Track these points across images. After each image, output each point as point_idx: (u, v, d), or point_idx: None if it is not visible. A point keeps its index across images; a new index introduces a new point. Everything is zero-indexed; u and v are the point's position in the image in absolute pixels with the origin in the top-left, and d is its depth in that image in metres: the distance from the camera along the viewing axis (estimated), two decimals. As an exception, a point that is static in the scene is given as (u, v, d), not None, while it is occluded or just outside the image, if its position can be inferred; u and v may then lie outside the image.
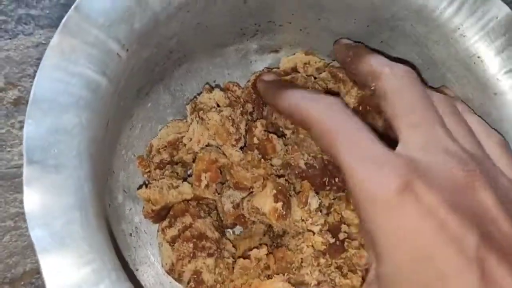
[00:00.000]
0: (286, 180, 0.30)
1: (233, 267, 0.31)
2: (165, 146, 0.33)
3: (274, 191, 0.29)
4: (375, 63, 0.27)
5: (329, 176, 0.30)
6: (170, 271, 0.30)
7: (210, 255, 0.30)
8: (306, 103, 0.26)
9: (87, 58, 0.23)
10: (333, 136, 0.24)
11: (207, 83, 0.36)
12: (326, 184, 0.30)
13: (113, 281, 0.21)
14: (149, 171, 0.33)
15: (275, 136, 0.32)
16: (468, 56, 0.31)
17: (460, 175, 0.22)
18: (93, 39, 0.23)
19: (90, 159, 0.23)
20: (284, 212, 0.28)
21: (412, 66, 0.31)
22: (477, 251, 0.20)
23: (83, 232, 0.21)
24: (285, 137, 0.33)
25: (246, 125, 0.33)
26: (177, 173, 0.32)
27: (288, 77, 0.35)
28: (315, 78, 0.35)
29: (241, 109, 0.33)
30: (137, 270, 0.32)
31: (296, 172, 0.30)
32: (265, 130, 0.32)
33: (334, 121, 0.25)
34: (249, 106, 0.35)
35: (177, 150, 0.34)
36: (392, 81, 0.26)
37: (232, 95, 0.34)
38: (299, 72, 0.36)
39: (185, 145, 0.33)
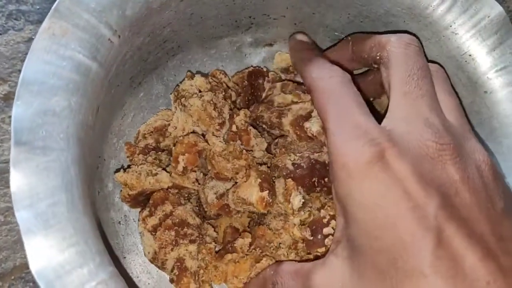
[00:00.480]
0: (268, 167, 0.31)
1: (216, 252, 0.31)
2: (151, 132, 0.33)
3: (259, 180, 0.29)
4: (380, 36, 0.29)
5: (317, 176, 0.30)
6: (153, 260, 0.30)
7: (192, 241, 0.30)
8: (317, 75, 0.28)
9: (78, 42, 0.23)
10: (324, 101, 0.26)
11: (189, 71, 0.36)
12: (316, 185, 0.30)
13: (97, 264, 0.21)
14: (132, 155, 0.33)
15: (254, 130, 0.32)
16: (460, 54, 0.31)
17: (434, 147, 0.23)
18: (84, 23, 0.23)
19: (78, 142, 0.23)
20: (271, 200, 0.29)
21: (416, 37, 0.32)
22: (435, 219, 0.21)
23: (69, 214, 0.21)
24: (268, 134, 0.33)
25: (230, 110, 0.33)
26: (160, 160, 0.32)
27: (279, 85, 0.35)
28: None
29: (223, 93, 0.33)
30: (124, 258, 0.32)
31: (285, 173, 0.30)
32: (245, 121, 0.32)
33: (330, 89, 0.26)
34: (233, 94, 0.34)
35: (163, 137, 0.33)
36: (397, 48, 0.27)
37: (214, 80, 0.34)
38: (292, 73, 0.36)
39: (170, 133, 0.33)
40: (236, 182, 0.30)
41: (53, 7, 0.23)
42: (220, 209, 0.31)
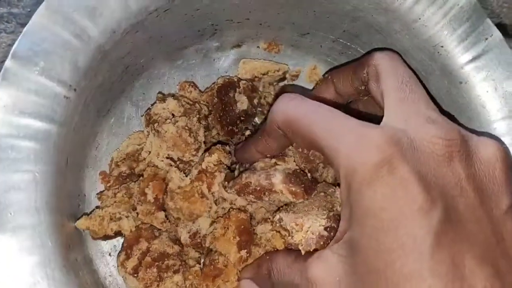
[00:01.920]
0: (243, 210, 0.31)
1: (201, 271, 0.31)
2: (124, 159, 0.33)
3: (238, 239, 0.29)
4: (360, 60, 0.29)
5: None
6: None
7: (176, 271, 0.30)
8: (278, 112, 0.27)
9: (32, 108, 0.22)
10: (312, 127, 0.25)
11: (160, 92, 0.35)
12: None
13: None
14: (101, 192, 0.32)
15: (219, 177, 0.31)
16: (431, 45, 0.30)
17: (440, 143, 0.23)
18: (36, 86, 0.22)
19: (50, 212, 0.22)
20: (248, 255, 0.30)
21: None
22: (437, 223, 0.21)
23: (51, 291, 0.21)
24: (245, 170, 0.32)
25: (204, 132, 0.32)
26: (131, 195, 0.31)
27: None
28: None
29: (198, 115, 0.32)
30: (120, 289, 0.33)
31: (322, 242, 0.27)
32: (215, 165, 0.31)
33: (303, 113, 0.25)
34: (205, 110, 0.34)
35: (136, 162, 0.33)
36: (383, 60, 0.27)
37: (187, 101, 0.33)
38: (260, 80, 0.35)
39: (144, 158, 0.32)
40: (214, 222, 0.30)
41: (0, 74, 0.21)
42: (195, 247, 0.31)
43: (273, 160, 0.30)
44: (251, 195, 0.29)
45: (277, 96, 0.33)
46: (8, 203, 0.21)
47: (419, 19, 0.29)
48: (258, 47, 0.38)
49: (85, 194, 0.32)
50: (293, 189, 0.28)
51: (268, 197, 0.29)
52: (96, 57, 0.24)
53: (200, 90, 0.35)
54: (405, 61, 0.29)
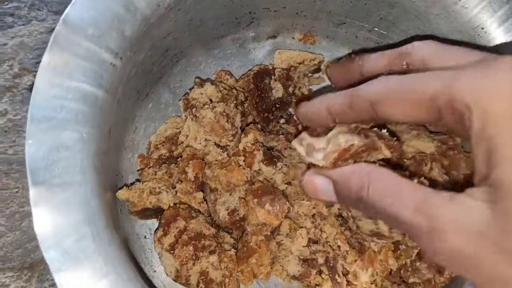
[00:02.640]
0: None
1: (237, 257, 0.31)
2: (163, 142, 0.33)
3: (256, 200, 0.30)
4: (402, 47, 0.27)
5: None
6: (177, 278, 0.30)
7: (212, 252, 0.30)
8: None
9: (81, 71, 0.23)
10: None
11: (197, 77, 0.35)
12: None
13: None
14: (142, 169, 0.32)
15: (258, 155, 0.31)
16: (471, 28, 0.30)
17: None
18: (85, 51, 0.23)
19: (95, 172, 0.23)
20: (277, 209, 0.30)
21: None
22: None
23: (96, 246, 0.21)
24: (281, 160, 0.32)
25: (241, 117, 0.32)
26: (171, 175, 0.32)
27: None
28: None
29: (235, 101, 0.32)
30: (154, 271, 0.33)
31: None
32: (252, 144, 0.31)
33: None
34: (241, 96, 0.34)
35: (175, 146, 0.33)
36: (427, 45, 0.25)
37: (224, 87, 0.33)
38: (294, 69, 0.36)
39: (182, 142, 0.33)
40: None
41: (51, 39, 0.22)
42: (232, 225, 0.31)
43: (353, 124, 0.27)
44: (349, 160, 0.25)
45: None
46: (56, 159, 0.21)
47: (459, 1, 0.29)
48: (293, 38, 0.38)
49: (122, 175, 0.32)
50: (390, 143, 0.26)
51: (366, 157, 0.26)
52: (141, 28, 0.25)
53: (236, 79, 0.36)
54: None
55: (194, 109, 0.32)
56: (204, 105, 0.31)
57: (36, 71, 0.35)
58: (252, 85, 0.35)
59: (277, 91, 0.35)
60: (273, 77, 0.35)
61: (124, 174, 0.33)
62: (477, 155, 0.21)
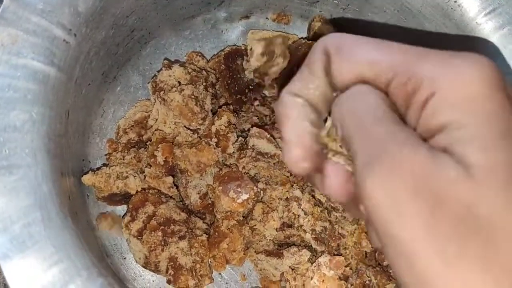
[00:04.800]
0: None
1: (209, 243, 0.30)
2: (132, 126, 0.32)
3: (221, 187, 0.29)
4: None
5: None
6: (146, 265, 0.29)
7: (181, 237, 0.29)
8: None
9: (30, 48, 0.22)
10: None
11: (166, 59, 0.34)
12: None
13: (85, 279, 0.20)
14: (110, 153, 0.31)
15: (233, 137, 0.31)
16: (445, 1, 0.29)
17: None
18: (34, 27, 0.22)
19: (47, 155, 0.22)
20: (241, 195, 0.30)
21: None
22: None
23: (46, 232, 0.20)
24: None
25: (212, 100, 0.31)
26: (140, 160, 0.31)
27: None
28: None
29: (204, 83, 0.31)
30: (124, 258, 0.32)
31: None
32: (226, 126, 0.30)
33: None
34: (212, 77, 0.33)
35: (145, 129, 0.32)
36: None
37: (193, 68, 0.32)
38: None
39: (151, 126, 0.32)
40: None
41: (-2, 14, 0.21)
42: (204, 209, 0.30)
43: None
44: None
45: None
46: (2, 140, 0.20)
47: (432, -26, 0.28)
48: (267, 18, 0.37)
49: (90, 161, 0.31)
50: None
51: None
52: (97, 4, 0.24)
53: (207, 60, 0.35)
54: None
55: (162, 92, 0.31)
56: (172, 87, 0.30)
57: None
58: (223, 66, 0.33)
59: (250, 72, 0.34)
60: (245, 57, 0.34)
61: (91, 159, 0.32)
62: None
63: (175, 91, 0.30)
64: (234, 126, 0.31)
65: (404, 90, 0.18)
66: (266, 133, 0.30)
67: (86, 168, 0.31)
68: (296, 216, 0.32)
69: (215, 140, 0.31)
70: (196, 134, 0.31)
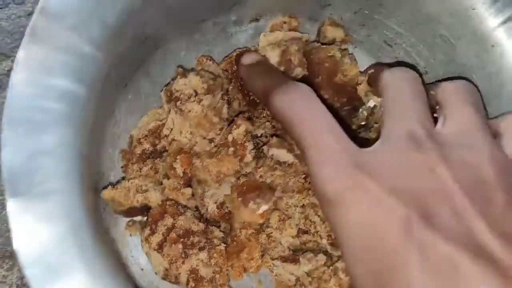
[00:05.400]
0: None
1: (227, 252, 0.30)
2: (146, 136, 0.31)
3: (241, 198, 0.29)
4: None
5: None
6: (166, 277, 0.29)
7: (201, 248, 0.29)
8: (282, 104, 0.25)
9: (61, 66, 0.21)
10: (299, 132, 0.24)
11: (180, 66, 0.33)
12: None
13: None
14: (126, 165, 0.31)
15: (250, 146, 0.30)
16: (463, 8, 0.29)
17: (416, 157, 0.22)
18: (65, 43, 0.21)
19: (79, 178, 0.21)
20: (260, 206, 0.30)
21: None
22: (417, 230, 0.20)
23: (80, 261, 0.19)
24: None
25: (228, 108, 0.31)
26: (157, 171, 0.30)
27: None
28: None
29: (221, 92, 0.31)
30: (142, 269, 0.31)
31: None
32: (244, 135, 0.30)
33: (302, 114, 0.25)
34: (225, 82, 0.33)
35: (159, 139, 0.32)
36: (388, 79, 0.27)
37: (209, 76, 0.31)
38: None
39: (166, 136, 0.31)
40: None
41: (27, 30, 0.20)
42: (221, 218, 0.30)
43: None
44: None
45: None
46: (36, 166, 0.19)
47: (450, -19, 0.28)
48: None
49: (104, 173, 0.31)
50: None
51: None
52: (123, 15, 0.23)
53: (217, 64, 0.34)
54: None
55: (179, 102, 0.30)
56: (189, 97, 0.30)
57: (14, 56, 0.33)
58: (235, 66, 0.33)
59: None
60: None
61: (105, 171, 0.31)
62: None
63: (193, 101, 0.29)
64: (250, 134, 0.31)
65: None
66: (286, 143, 0.30)
67: (102, 181, 0.30)
68: (313, 223, 0.32)
69: (232, 149, 0.30)
70: (212, 144, 0.31)
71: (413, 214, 0.20)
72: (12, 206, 0.19)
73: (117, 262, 0.26)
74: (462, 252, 0.19)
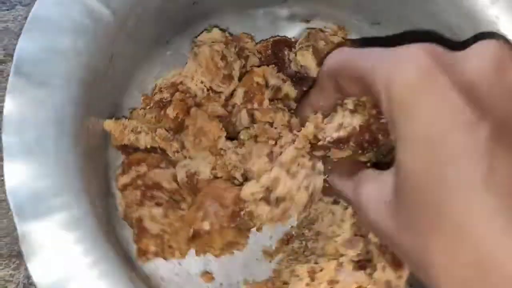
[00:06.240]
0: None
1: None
2: (168, 86, 0.34)
3: None
4: None
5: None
6: (124, 217, 0.31)
7: (158, 204, 0.30)
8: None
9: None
10: (353, 63, 0.25)
11: (210, 25, 0.36)
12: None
13: (72, 199, 0.22)
14: (134, 110, 0.33)
15: (267, 93, 0.32)
16: (484, 17, 0.29)
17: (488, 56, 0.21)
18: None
19: (80, 83, 0.24)
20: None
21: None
22: (489, 136, 0.19)
23: (54, 148, 0.22)
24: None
25: (242, 68, 0.33)
26: (160, 120, 0.32)
27: None
28: None
29: (237, 49, 0.33)
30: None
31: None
32: (264, 79, 0.31)
33: (348, 54, 0.26)
34: (254, 60, 0.34)
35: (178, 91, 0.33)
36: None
37: (236, 41, 0.34)
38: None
39: (181, 82, 0.33)
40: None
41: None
42: (187, 189, 0.31)
43: None
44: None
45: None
46: (45, 58, 0.22)
47: None
48: (325, 27, 0.38)
49: (123, 109, 0.34)
50: None
51: None
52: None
53: (256, 43, 0.36)
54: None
55: (196, 47, 0.33)
56: (205, 43, 0.32)
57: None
58: (269, 51, 0.35)
59: (295, 65, 0.35)
60: (293, 49, 0.35)
61: (125, 108, 0.34)
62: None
63: (206, 46, 0.32)
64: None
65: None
66: None
67: (119, 115, 0.33)
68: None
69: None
70: (217, 95, 0.33)
71: (486, 118, 0.20)
72: (12, 82, 0.22)
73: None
74: None
